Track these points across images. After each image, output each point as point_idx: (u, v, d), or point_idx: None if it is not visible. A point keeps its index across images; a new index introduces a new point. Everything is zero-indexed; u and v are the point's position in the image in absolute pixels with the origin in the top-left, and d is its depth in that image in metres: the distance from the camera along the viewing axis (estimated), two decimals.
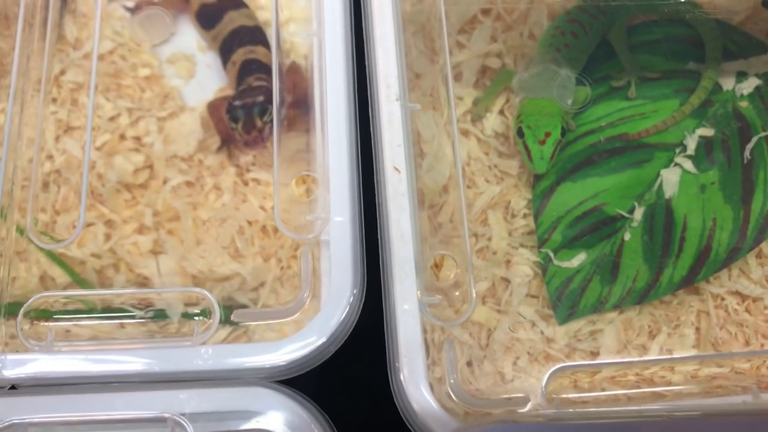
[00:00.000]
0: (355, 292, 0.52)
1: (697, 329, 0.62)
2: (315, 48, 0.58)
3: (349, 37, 0.57)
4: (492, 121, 0.68)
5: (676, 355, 0.57)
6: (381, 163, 0.54)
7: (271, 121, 0.63)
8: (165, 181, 0.65)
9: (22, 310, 0.52)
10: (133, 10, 0.72)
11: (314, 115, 0.56)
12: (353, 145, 0.54)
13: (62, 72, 0.68)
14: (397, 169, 0.53)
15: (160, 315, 0.59)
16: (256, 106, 0.63)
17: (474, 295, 0.51)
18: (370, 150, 0.55)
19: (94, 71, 0.58)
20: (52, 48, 0.64)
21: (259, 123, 0.62)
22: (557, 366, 0.53)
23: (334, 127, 0.54)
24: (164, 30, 0.67)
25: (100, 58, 0.70)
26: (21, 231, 0.58)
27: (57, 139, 0.65)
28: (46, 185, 0.63)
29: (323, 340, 0.50)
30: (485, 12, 0.72)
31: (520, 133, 0.64)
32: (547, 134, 0.63)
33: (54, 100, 0.67)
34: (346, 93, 0.55)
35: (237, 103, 0.64)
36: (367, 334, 0.55)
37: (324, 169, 0.54)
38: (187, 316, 0.58)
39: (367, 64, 0.57)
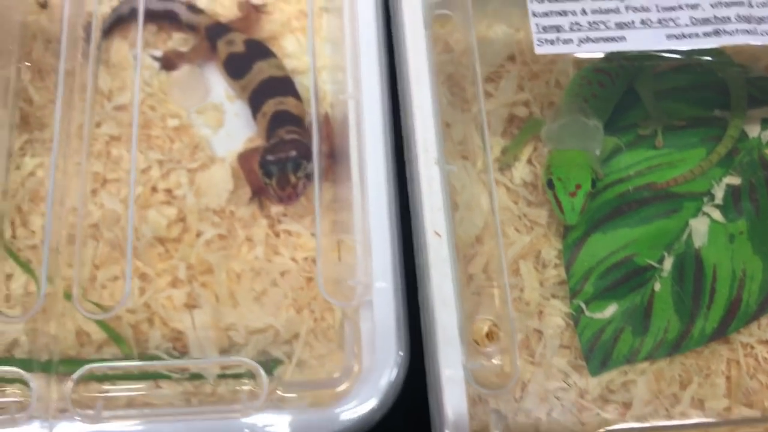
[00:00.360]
0: (401, 353, 0.52)
1: (728, 378, 0.63)
2: (351, 110, 0.58)
3: (386, 98, 0.57)
4: (520, 170, 0.69)
5: (710, 417, 0.58)
6: (421, 228, 0.54)
7: (306, 176, 0.63)
8: (198, 234, 0.65)
9: (71, 382, 0.52)
10: (160, 60, 0.72)
11: (353, 179, 0.56)
12: (393, 209, 0.54)
13: (97, 124, 0.68)
14: (437, 233, 0.53)
15: (197, 375, 0.59)
16: (290, 161, 0.63)
17: (518, 364, 0.52)
18: (408, 212, 0.55)
19: (135, 132, 0.58)
20: (91, 100, 0.64)
21: (293, 179, 0.63)
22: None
23: (374, 193, 0.54)
24: (203, 92, 0.67)
25: (125, 108, 0.70)
26: (68, 296, 0.58)
27: (94, 192, 0.65)
28: (83, 239, 0.63)
29: (372, 405, 0.50)
30: (512, 60, 0.72)
31: (550, 185, 0.65)
32: (578, 186, 0.64)
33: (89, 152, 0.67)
34: (385, 156, 0.56)
35: (270, 158, 0.64)
36: (408, 394, 0.55)
37: (365, 233, 0.54)
38: (222, 377, 0.59)
39: (403, 126, 0.57)
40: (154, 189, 0.67)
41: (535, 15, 0.60)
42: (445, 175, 0.55)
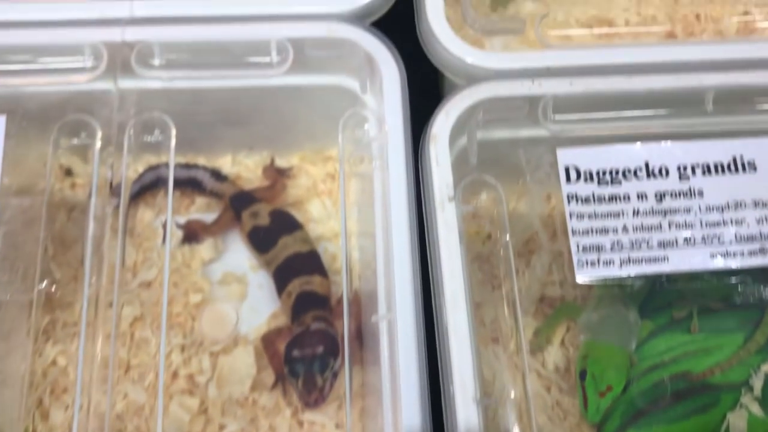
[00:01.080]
0: None
1: None
2: (384, 332, 0.56)
3: (420, 322, 0.55)
4: (553, 354, 0.67)
5: None
6: None
7: (333, 375, 0.61)
8: (221, 428, 0.63)
9: None
10: (182, 229, 0.71)
11: (386, 413, 0.54)
12: None
13: (122, 305, 0.66)
14: None
15: None
16: (317, 359, 0.61)
17: None
18: None
19: (164, 326, 0.56)
20: (119, 281, 0.61)
21: (320, 381, 0.61)
22: None
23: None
24: (231, 327, 0.65)
25: (149, 285, 0.69)
26: None
27: (117, 380, 0.64)
28: None
29: None
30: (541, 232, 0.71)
31: (582, 376, 0.63)
32: (609, 388, 0.63)
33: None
34: (419, 387, 0.53)
35: (296, 353, 0.62)
36: None
37: None
38: None
39: (439, 356, 0.55)
40: (175, 375, 0.65)
41: (574, 233, 0.58)
42: (484, 412, 0.53)
